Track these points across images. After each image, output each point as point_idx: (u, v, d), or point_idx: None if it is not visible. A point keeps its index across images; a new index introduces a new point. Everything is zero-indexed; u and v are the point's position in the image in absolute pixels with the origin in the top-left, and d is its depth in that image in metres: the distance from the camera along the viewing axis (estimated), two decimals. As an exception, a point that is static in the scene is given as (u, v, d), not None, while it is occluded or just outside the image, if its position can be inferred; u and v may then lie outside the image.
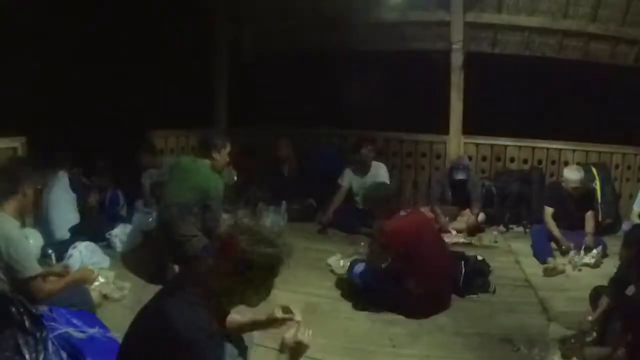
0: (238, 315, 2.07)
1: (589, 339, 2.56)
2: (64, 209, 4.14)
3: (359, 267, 3.34)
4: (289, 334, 1.78)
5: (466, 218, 4.92)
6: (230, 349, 1.90)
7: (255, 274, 1.64)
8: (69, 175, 4.25)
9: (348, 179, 5.12)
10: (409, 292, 3.07)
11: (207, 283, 1.64)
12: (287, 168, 5.55)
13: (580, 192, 4.34)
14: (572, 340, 2.57)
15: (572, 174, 4.31)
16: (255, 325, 2.08)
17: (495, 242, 4.70)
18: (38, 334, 1.97)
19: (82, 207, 4.35)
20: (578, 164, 5.21)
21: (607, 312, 2.61)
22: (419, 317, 3.07)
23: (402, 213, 3.23)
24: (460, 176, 4.91)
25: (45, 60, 5.35)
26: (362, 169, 5.06)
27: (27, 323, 1.96)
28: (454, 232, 4.75)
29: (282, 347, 1.76)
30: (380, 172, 5.01)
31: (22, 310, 1.99)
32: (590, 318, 2.68)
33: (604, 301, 2.71)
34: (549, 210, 4.43)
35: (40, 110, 5.17)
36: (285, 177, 5.52)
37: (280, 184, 5.41)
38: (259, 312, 2.13)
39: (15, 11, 4.85)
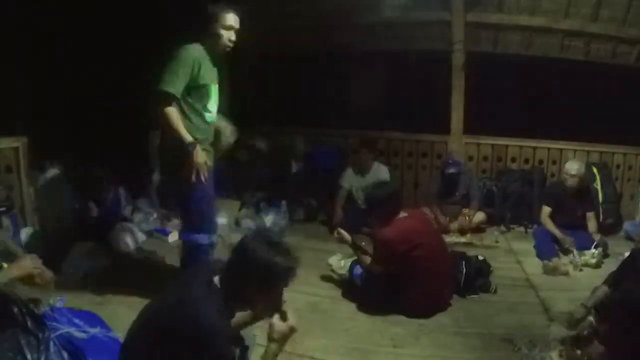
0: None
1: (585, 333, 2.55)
2: (59, 209, 4.13)
3: (359, 268, 3.34)
4: (274, 322, 1.89)
5: (464, 217, 4.94)
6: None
7: (266, 280, 1.76)
8: (64, 176, 4.23)
9: (348, 179, 5.12)
10: (409, 292, 3.07)
11: (224, 284, 1.77)
12: (298, 165, 5.53)
13: (578, 188, 4.35)
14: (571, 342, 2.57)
15: (571, 164, 4.39)
16: (249, 322, 2.17)
17: (497, 242, 4.70)
18: (40, 335, 1.97)
19: (78, 208, 4.33)
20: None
21: (604, 307, 2.60)
22: (419, 317, 3.07)
23: (402, 214, 3.22)
24: (451, 170, 4.94)
25: (45, 60, 5.36)
26: (362, 170, 5.06)
27: (29, 323, 1.97)
28: (454, 234, 4.75)
29: (269, 336, 1.90)
30: (381, 173, 5.01)
31: (24, 310, 2.00)
32: (588, 316, 2.68)
33: (602, 290, 2.71)
34: (546, 210, 4.44)
35: (41, 110, 5.18)
36: (292, 175, 5.50)
37: (284, 183, 5.40)
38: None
39: (15, 10, 4.86)
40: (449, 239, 4.57)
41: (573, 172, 4.31)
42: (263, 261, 1.74)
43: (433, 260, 3.12)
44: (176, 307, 1.72)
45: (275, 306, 1.86)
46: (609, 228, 4.85)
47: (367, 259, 3.26)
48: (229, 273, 1.80)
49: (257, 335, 2.30)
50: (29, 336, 1.94)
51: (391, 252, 3.08)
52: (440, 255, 3.24)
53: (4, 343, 1.87)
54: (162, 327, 1.70)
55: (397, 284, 3.10)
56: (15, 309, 1.97)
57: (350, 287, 3.44)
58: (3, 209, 3.60)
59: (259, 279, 1.75)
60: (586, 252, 4.01)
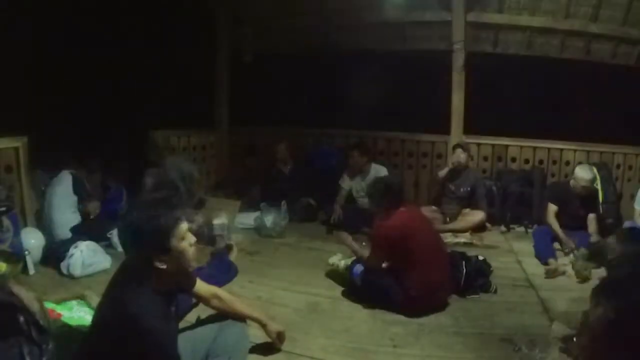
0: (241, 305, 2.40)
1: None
2: (66, 209, 4.14)
3: (359, 267, 3.34)
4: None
5: (470, 217, 4.93)
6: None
7: (150, 244, 1.77)
8: (73, 176, 4.23)
9: (347, 181, 5.13)
10: (407, 288, 3.07)
11: (144, 269, 1.79)
12: (287, 170, 5.54)
13: (586, 192, 4.35)
14: (574, 339, 2.56)
15: (584, 173, 4.32)
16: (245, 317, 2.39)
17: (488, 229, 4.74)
18: (44, 346, 1.99)
19: (83, 209, 4.32)
20: (580, 163, 5.22)
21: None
22: (417, 316, 3.07)
23: (401, 209, 3.24)
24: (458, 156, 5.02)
25: (45, 60, 5.36)
26: (360, 173, 5.06)
27: (33, 333, 1.98)
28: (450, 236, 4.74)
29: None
30: (380, 174, 5.00)
31: (30, 320, 2.02)
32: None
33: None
34: (552, 208, 4.42)
35: (42, 110, 5.17)
36: (285, 177, 5.50)
37: (280, 185, 5.40)
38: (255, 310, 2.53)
39: (16, 11, 4.86)
40: (448, 239, 4.58)
41: (583, 183, 4.29)
42: (139, 229, 1.76)
43: (429, 256, 3.13)
44: (117, 310, 1.78)
45: (187, 261, 1.87)
46: (609, 228, 4.84)
47: (366, 253, 3.28)
48: (132, 258, 1.84)
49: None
50: (32, 346, 1.95)
51: (388, 244, 3.12)
52: (435, 251, 3.25)
53: (7, 350, 1.89)
54: (111, 327, 1.78)
55: (395, 283, 3.11)
56: (22, 318, 1.99)
57: (350, 287, 3.44)
58: (3, 209, 3.59)
59: (147, 247, 1.76)
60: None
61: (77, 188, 4.21)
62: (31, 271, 3.57)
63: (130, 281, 1.76)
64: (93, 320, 1.90)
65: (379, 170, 5.01)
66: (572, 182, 4.40)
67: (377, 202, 3.37)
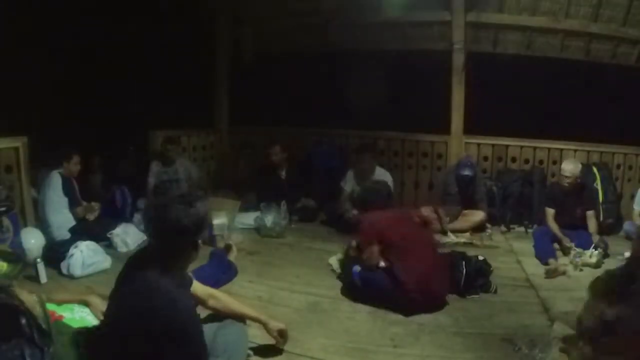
0: (236, 302, 2.43)
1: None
2: (60, 210, 4.12)
3: (359, 267, 3.34)
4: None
5: (470, 217, 4.93)
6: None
7: (195, 236, 1.88)
8: (61, 176, 4.20)
9: (350, 182, 5.10)
10: (402, 284, 3.09)
11: (159, 256, 1.85)
12: (284, 172, 5.51)
13: (574, 187, 4.37)
14: (580, 343, 2.55)
15: (566, 164, 4.41)
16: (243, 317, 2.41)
17: (490, 239, 4.70)
18: (45, 349, 1.99)
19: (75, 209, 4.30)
20: (580, 164, 5.23)
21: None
22: (417, 316, 3.07)
23: (382, 210, 3.36)
24: (466, 172, 4.94)
25: (46, 61, 5.36)
26: (364, 174, 5.05)
27: (35, 336, 1.99)
28: (451, 235, 4.73)
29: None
30: (386, 178, 4.99)
31: (32, 322, 2.02)
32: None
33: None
34: (550, 212, 4.44)
35: (42, 110, 5.18)
36: (282, 182, 5.47)
37: (279, 188, 5.37)
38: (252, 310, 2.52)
39: (17, 12, 4.86)
40: (448, 239, 4.58)
41: (567, 174, 4.34)
42: (191, 222, 1.83)
43: (414, 246, 3.19)
44: (141, 294, 1.81)
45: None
46: (609, 228, 4.85)
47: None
48: (159, 246, 1.88)
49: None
50: (33, 348, 1.95)
51: (373, 231, 3.23)
52: (421, 244, 3.28)
53: (8, 352, 1.89)
54: (131, 314, 1.78)
55: (392, 278, 3.12)
56: (24, 321, 1.99)
57: (350, 287, 3.44)
58: (3, 209, 3.60)
59: (190, 238, 1.86)
60: (585, 252, 4.00)
61: (67, 189, 4.18)
62: (43, 280, 3.43)
63: (158, 272, 1.79)
64: (110, 316, 1.90)
65: (383, 175, 4.97)
66: (559, 177, 4.45)
67: (362, 205, 3.53)
